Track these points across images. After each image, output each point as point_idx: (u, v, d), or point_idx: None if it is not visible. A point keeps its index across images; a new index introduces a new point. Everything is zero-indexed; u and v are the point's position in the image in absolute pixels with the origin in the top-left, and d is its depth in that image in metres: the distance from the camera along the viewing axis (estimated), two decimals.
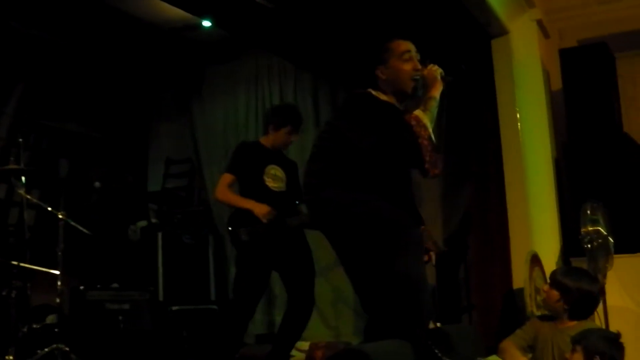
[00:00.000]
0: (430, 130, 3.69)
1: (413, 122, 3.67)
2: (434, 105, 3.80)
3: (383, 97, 3.95)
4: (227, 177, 5.66)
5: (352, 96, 4.05)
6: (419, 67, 3.97)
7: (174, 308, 6.98)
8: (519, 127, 6.36)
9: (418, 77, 3.93)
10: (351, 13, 6.39)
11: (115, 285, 6.72)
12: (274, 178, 5.67)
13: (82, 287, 6.30)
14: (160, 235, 7.42)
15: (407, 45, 4.03)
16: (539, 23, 6.68)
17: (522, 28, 6.58)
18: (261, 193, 5.54)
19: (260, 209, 5.35)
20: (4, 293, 5.26)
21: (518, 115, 6.37)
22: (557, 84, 6.70)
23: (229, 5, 6.44)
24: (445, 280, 6.54)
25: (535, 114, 6.47)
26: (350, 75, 7.42)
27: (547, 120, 6.49)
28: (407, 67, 3.95)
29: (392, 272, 3.66)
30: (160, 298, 7.11)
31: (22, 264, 5.63)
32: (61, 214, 5.85)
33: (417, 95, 3.96)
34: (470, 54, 6.73)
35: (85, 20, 7.35)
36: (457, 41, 6.62)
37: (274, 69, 8.36)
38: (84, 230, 6.06)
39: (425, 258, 4.07)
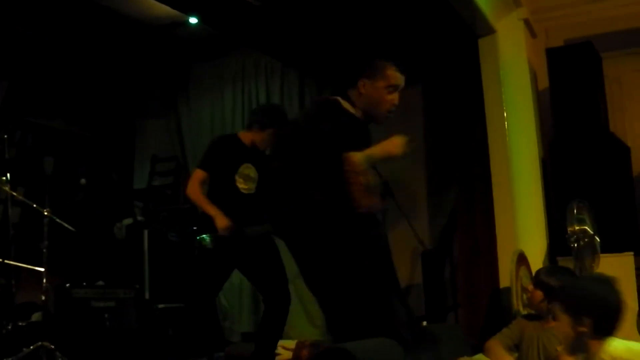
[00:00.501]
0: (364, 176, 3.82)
1: (347, 167, 3.77)
2: (375, 159, 3.99)
3: (350, 108, 4.08)
4: (199, 174, 5.53)
5: (318, 102, 4.13)
6: (396, 103, 4.11)
7: (160, 306, 6.97)
8: (506, 126, 6.37)
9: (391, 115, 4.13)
10: (338, 12, 6.39)
11: (100, 283, 6.69)
12: (245, 179, 5.54)
13: (67, 285, 6.26)
14: (146, 232, 7.39)
15: (399, 80, 4.10)
16: (526, 22, 6.70)
17: (508, 27, 6.59)
18: (229, 194, 5.46)
19: (221, 222, 5.23)
20: None
21: (505, 115, 6.38)
22: (543, 83, 6.73)
23: (216, 2, 6.43)
24: (431, 279, 6.55)
25: (521, 113, 6.49)
26: (336, 74, 7.43)
27: (533, 120, 6.51)
28: (389, 98, 4.07)
29: (352, 278, 3.75)
30: (146, 296, 7.09)
31: (6, 261, 5.62)
32: (46, 211, 5.83)
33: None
34: (457, 53, 6.74)
35: (71, 17, 7.33)
36: (444, 40, 6.63)
37: (261, 67, 8.33)
38: (69, 227, 6.04)
39: None
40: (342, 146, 3.82)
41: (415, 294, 6.58)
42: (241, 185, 5.49)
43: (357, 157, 3.81)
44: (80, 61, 8.05)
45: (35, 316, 6.01)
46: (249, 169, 5.60)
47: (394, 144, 3.98)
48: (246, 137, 5.70)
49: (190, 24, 7.48)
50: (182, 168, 8.80)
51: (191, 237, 7.56)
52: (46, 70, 7.84)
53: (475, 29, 6.47)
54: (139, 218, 8.00)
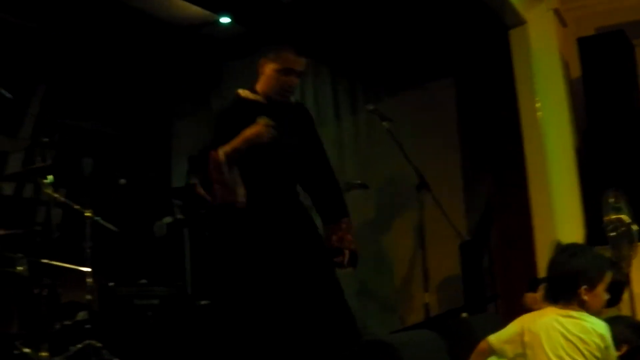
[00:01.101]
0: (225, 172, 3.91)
1: (211, 164, 3.92)
2: (237, 148, 3.96)
3: (250, 95, 4.22)
4: None
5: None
6: (294, 84, 4.26)
7: (202, 302, 7.05)
8: (539, 116, 6.38)
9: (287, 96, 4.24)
10: (369, 7, 6.42)
11: (143, 281, 6.80)
12: None
13: (111, 284, 6.38)
14: (186, 230, 7.47)
15: (292, 63, 4.29)
16: (556, 12, 6.71)
17: (539, 17, 6.60)
18: None
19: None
20: (35, 291, 5.34)
21: (537, 105, 6.39)
22: (575, 72, 6.74)
23: (247, 1, 6.49)
24: (469, 270, 6.57)
25: (554, 103, 6.50)
26: (368, 69, 7.48)
27: (566, 109, 6.53)
28: (283, 80, 4.20)
29: None
30: (189, 292, 7.18)
31: (51, 262, 5.75)
32: (88, 212, 5.94)
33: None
34: (488, 45, 6.76)
35: (104, 20, 7.42)
36: (475, 33, 6.65)
37: None
38: (111, 227, 6.15)
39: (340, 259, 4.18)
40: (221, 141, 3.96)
41: (454, 285, 6.61)
42: None
43: (219, 152, 3.91)
44: (114, 63, 8.14)
45: (81, 315, 6.09)
46: None
47: (253, 131, 3.99)
48: None
49: (222, 23, 7.55)
50: None
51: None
52: (82, 73, 7.94)
53: (506, 20, 6.49)
54: (179, 216, 8.07)
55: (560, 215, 6.18)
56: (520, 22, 6.51)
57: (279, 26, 6.96)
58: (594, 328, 3.17)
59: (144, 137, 8.79)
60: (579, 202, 6.34)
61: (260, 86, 4.25)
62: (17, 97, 6.18)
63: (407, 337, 3.80)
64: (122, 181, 7.27)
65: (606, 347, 3.17)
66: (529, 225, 6.23)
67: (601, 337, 3.16)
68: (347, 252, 4.31)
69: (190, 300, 7.03)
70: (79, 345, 5.42)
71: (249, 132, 3.96)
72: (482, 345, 3.50)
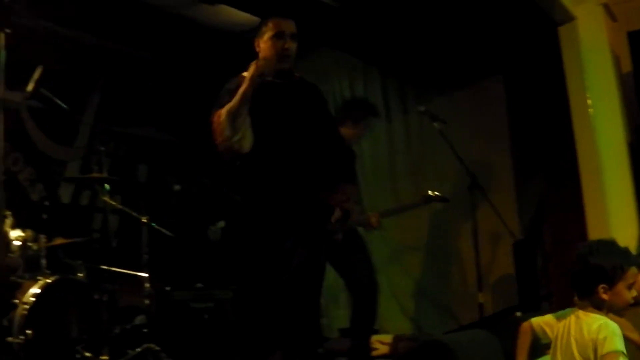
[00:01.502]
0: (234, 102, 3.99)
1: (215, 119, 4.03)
2: (238, 101, 4.02)
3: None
4: None
5: None
6: (290, 46, 4.26)
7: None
8: (590, 112, 6.34)
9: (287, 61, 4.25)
10: (417, 7, 6.44)
11: (199, 284, 6.90)
12: None
13: (167, 288, 6.48)
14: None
15: (282, 25, 4.29)
16: (605, 6, 6.64)
17: (588, 13, 6.53)
18: None
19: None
20: (95, 297, 5.46)
21: (589, 101, 6.35)
22: (627, 66, 6.67)
23: (295, 6, 6.53)
24: (523, 269, 6.55)
25: (606, 99, 6.44)
26: (418, 69, 7.49)
27: (618, 104, 6.46)
28: (279, 44, 4.24)
29: None
30: None
31: (110, 269, 5.87)
32: (144, 218, 6.05)
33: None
34: (537, 42, 6.73)
35: (156, 28, 7.54)
36: (524, 30, 6.63)
37: (343, 65, 8.36)
38: (167, 233, 6.26)
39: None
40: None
41: (508, 284, 6.59)
42: None
43: (221, 111, 4.06)
44: (167, 70, 8.26)
45: (139, 319, 6.21)
46: None
47: (250, 72, 4.06)
48: (356, 130, 5.92)
49: None
50: None
51: None
52: (135, 81, 8.08)
53: (554, 16, 6.44)
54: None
55: (613, 212, 6.11)
56: (569, 18, 6.46)
57: (327, 29, 7.01)
58: (598, 329, 3.16)
59: (197, 143, 8.88)
60: (632, 198, 6.28)
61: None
62: (72, 106, 6.31)
63: (462, 337, 3.82)
64: (177, 187, 7.38)
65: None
66: (582, 222, 6.18)
67: (602, 339, 3.13)
68: (337, 209, 4.34)
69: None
70: (138, 349, 5.55)
71: (247, 75, 4.07)
72: (524, 324, 3.51)
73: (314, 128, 4.32)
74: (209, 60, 8.44)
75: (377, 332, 6.92)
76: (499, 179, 6.91)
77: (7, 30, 3.05)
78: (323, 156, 4.32)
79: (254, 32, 7.70)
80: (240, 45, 8.23)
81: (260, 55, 4.27)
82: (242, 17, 7.21)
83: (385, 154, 7.83)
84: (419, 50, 7.10)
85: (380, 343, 6.48)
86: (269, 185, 4.11)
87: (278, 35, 4.25)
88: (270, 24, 4.29)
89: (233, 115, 3.98)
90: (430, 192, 6.03)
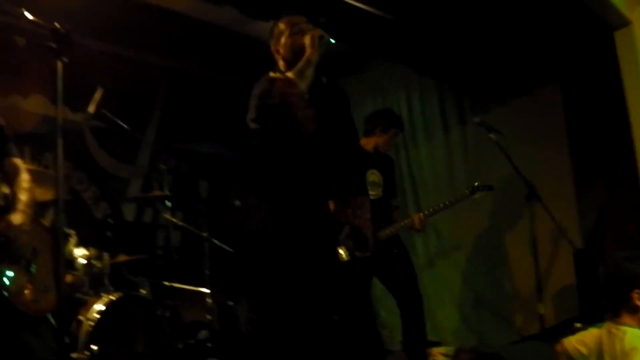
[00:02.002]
0: (303, 86, 3.81)
1: (279, 84, 3.81)
2: (306, 65, 3.86)
3: (280, 75, 4.03)
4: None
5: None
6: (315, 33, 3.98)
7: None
8: None
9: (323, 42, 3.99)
10: (471, 17, 6.43)
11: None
12: (371, 185, 5.91)
13: (230, 303, 6.55)
14: None
15: (295, 18, 4.11)
16: None
17: None
18: None
19: None
20: (158, 313, 5.55)
21: None
22: None
23: (349, 21, 6.57)
24: (585, 278, 6.47)
25: None
26: (474, 79, 7.47)
27: None
28: (300, 40, 3.98)
29: None
30: None
31: (173, 284, 5.96)
32: (205, 234, 6.13)
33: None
34: (593, 48, 6.68)
35: (213, 46, 7.65)
36: (580, 36, 6.58)
37: (399, 77, 8.39)
38: (228, 249, 6.33)
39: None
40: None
41: (570, 295, 6.52)
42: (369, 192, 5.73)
43: (289, 76, 3.89)
44: (225, 86, 8.34)
45: (203, 334, 6.28)
46: (373, 175, 6.01)
47: (310, 49, 3.89)
48: (368, 143, 5.96)
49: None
50: None
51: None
52: (194, 97, 8.19)
53: (610, 22, 6.39)
54: None
55: None
56: (624, 22, 6.40)
57: (382, 42, 7.03)
58: (628, 340, 3.12)
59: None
60: None
61: (288, 64, 4.09)
62: (134, 125, 6.44)
63: (523, 349, 3.81)
64: (237, 202, 7.45)
65: None
66: None
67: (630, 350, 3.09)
68: (347, 226, 4.25)
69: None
70: None
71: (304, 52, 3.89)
72: (557, 347, 3.48)
73: (336, 135, 4.22)
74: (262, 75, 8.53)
75: (439, 344, 6.92)
76: (559, 187, 6.84)
77: (65, 60, 3.14)
78: (339, 164, 4.23)
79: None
80: None
81: (285, 58, 4.10)
82: None
83: (444, 164, 7.83)
84: (475, 60, 7.08)
85: (443, 355, 6.45)
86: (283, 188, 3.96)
87: (297, 31, 4.06)
88: (285, 22, 4.14)
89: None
90: (475, 183, 6.12)
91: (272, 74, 4.06)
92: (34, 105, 6.86)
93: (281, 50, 4.10)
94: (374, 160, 6.10)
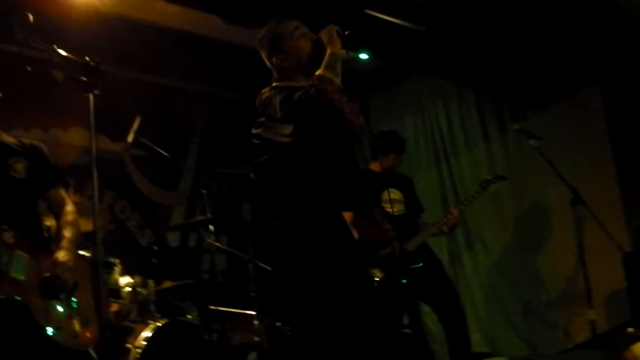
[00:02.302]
0: (338, 81, 3.37)
1: (316, 82, 3.34)
2: (334, 60, 3.42)
3: (290, 84, 3.63)
4: (347, 215, 5.75)
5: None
6: (313, 37, 3.64)
7: None
8: None
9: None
10: (507, 23, 6.39)
11: None
12: (394, 202, 5.97)
13: (277, 324, 6.55)
14: None
15: (292, 24, 3.70)
16: None
17: None
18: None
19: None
20: (206, 337, 5.56)
21: None
22: None
23: (383, 36, 6.56)
24: (635, 282, 6.36)
25: None
26: (512, 85, 7.41)
27: None
28: (303, 43, 3.65)
29: None
30: None
31: (219, 308, 5.97)
32: (249, 257, 6.14)
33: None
34: (632, 50, 6.59)
35: (249, 70, 7.67)
36: (618, 38, 6.51)
37: (436, 89, 8.37)
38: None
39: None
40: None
41: (620, 299, 6.41)
42: (390, 209, 5.86)
43: (321, 71, 3.40)
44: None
45: (251, 356, 6.28)
46: (393, 193, 6.04)
47: (336, 39, 3.47)
48: (375, 166, 6.17)
49: (361, 59, 7.65)
50: None
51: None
52: (233, 121, 8.23)
53: None
54: None
55: None
56: None
57: (417, 55, 7.01)
58: None
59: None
60: None
61: (293, 72, 3.70)
62: (174, 152, 6.50)
63: (575, 357, 3.74)
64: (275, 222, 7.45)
65: None
66: None
67: None
68: (394, 243, 4.07)
69: None
70: None
71: (330, 48, 3.46)
72: (626, 356, 3.41)
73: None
74: None
75: (491, 355, 6.85)
76: (604, 190, 6.75)
77: (96, 92, 3.17)
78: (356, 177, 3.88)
79: (346, 63, 7.81)
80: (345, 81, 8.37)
81: (289, 64, 3.69)
82: None
83: (486, 174, 7.75)
84: (512, 67, 7.02)
85: None
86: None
87: (296, 32, 3.69)
88: (278, 29, 3.72)
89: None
90: (488, 177, 6.21)
91: (279, 84, 3.70)
92: (75, 137, 6.96)
93: (291, 50, 3.70)
94: (390, 180, 6.12)
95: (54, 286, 3.66)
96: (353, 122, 3.36)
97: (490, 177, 6.18)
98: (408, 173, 8.19)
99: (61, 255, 3.74)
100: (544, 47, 6.67)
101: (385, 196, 5.90)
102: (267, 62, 3.82)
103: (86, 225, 4.41)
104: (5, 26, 3.24)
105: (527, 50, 6.75)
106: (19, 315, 3.46)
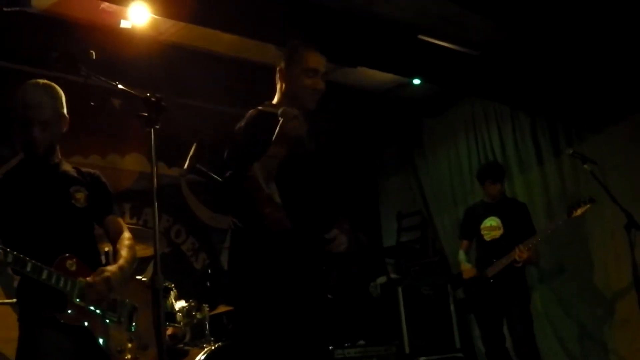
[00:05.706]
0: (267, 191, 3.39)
1: (249, 184, 3.40)
2: (276, 155, 3.42)
3: (270, 108, 3.69)
4: (464, 244, 6.73)
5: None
6: (322, 87, 3.70)
7: (421, 359, 7.12)
8: None
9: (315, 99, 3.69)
10: (560, 45, 6.38)
11: (361, 342, 6.97)
12: (489, 229, 6.44)
13: (330, 347, 6.57)
14: (400, 289, 7.55)
15: (317, 63, 3.71)
16: None
17: None
18: (480, 246, 6.55)
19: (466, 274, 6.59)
20: None
21: None
22: None
23: (435, 61, 6.59)
24: None
25: None
26: (566, 107, 7.36)
27: None
28: (309, 83, 3.66)
29: None
30: (407, 350, 7.25)
31: None
32: None
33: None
34: None
35: None
36: None
37: (490, 112, 8.38)
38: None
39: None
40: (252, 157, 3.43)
41: None
42: (486, 236, 6.46)
43: (253, 167, 3.39)
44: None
45: None
46: (491, 221, 6.47)
47: (289, 126, 3.39)
48: (484, 195, 6.72)
49: (415, 84, 7.71)
50: (428, 221, 8.96)
51: (443, 289, 7.74)
52: None
53: None
54: (392, 276, 8.19)
55: None
56: None
57: (470, 78, 7.02)
58: None
59: (353, 199, 9.02)
60: None
61: (280, 96, 3.79)
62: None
63: None
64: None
65: None
66: None
67: None
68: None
69: (409, 358, 7.12)
70: None
71: (286, 129, 3.37)
72: None
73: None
74: (362, 121, 8.62)
75: None
76: (633, 189, 6.72)
77: (157, 127, 3.25)
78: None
79: (400, 89, 7.88)
80: (388, 103, 8.41)
81: (285, 86, 3.74)
82: (386, 77, 7.37)
83: (540, 197, 7.71)
84: (567, 89, 6.99)
85: None
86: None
87: (311, 72, 3.67)
88: (304, 56, 3.69)
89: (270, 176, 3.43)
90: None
91: (262, 107, 3.79)
92: (131, 162, 7.11)
93: (286, 80, 3.75)
94: (493, 209, 6.55)
95: (109, 302, 3.72)
96: (268, 225, 3.43)
97: (575, 204, 6.27)
98: (462, 197, 8.24)
99: (108, 267, 3.78)
100: (599, 69, 6.65)
101: (485, 224, 6.49)
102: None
103: (142, 251, 4.49)
104: (70, 62, 3.30)
105: (581, 73, 6.73)
106: (86, 342, 3.55)
